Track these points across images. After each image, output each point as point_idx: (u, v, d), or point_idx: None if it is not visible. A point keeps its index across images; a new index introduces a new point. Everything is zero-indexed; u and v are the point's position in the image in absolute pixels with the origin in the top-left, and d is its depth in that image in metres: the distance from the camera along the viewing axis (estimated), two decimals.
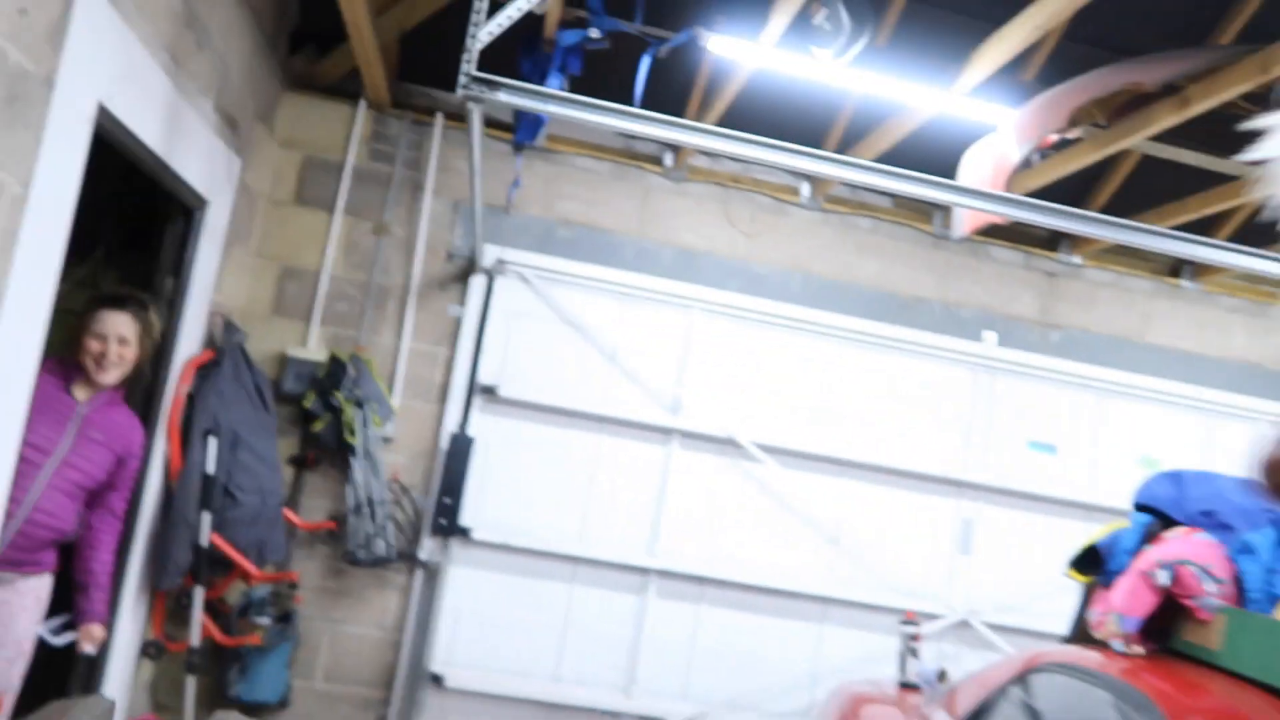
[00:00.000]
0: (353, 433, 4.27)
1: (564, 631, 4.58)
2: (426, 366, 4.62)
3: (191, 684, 3.65)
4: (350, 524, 4.26)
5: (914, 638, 3.74)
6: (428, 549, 4.44)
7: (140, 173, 3.33)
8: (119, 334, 3.00)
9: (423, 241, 4.66)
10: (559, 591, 4.60)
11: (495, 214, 4.69)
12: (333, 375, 4.33)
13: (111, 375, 3.00)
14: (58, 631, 3.11)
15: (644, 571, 4.65)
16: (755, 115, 4.34)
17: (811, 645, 4.72)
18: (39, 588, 2.94)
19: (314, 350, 4.47)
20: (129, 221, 4.18)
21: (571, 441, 4.68)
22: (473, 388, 4.59)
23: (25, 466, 2.83)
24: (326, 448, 4.36)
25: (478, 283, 4.67)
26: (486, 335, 4.62)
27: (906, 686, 3.62)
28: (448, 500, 4.42)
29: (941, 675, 3.58)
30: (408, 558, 4.40)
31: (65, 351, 3.03)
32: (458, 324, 4.66)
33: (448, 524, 4.41)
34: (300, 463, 4.41)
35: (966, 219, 3.98)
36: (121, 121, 2.80)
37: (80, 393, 2.99)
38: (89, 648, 3.15)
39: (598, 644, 4.59)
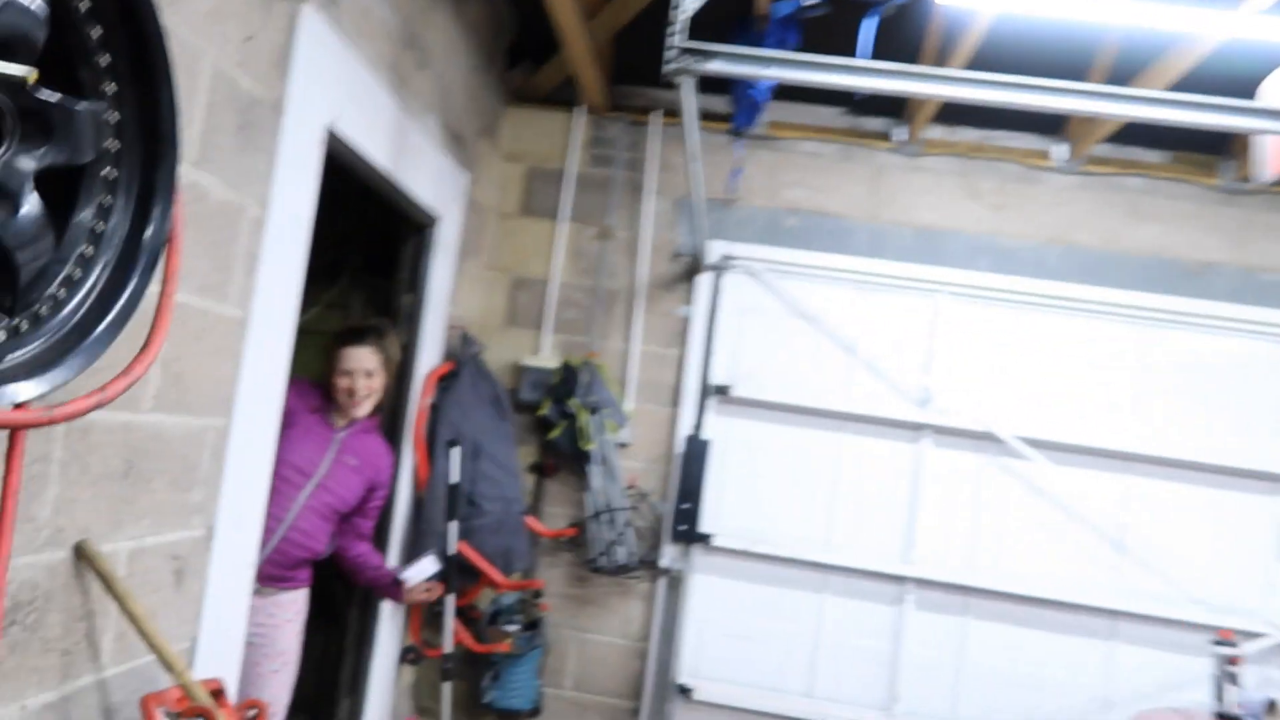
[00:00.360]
0: (588, 439, 4.24)
1: (815, 644, 4.31)
2: (658, 369, 4.52)
3: (447, 690, 3.73)
4: (590, 531, 4.24)
5: (1231, 660, 3.17)
6: (669, 556, 4.32)
7: (378, 198, 3.45)
8: (364, 368, 3.12)
9: (646, 242, 4.57)
10: (808, 601, 4.33)
11: (718, 208, 4.52)
12: (566, 382, 4.33)
13: (364, 408, 3.14)
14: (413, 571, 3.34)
15: (899, 580, 4.29)
16: (998, 70, 3.88)
17: (1100, 665, 4.16)
18: (297, 600, 3.08)
19: (547, 358, 4.49)
20: (371, 245, 4.38)
21: (812, 441, 4.41)
22: (705, 389, 4.44)
23: (285, 487, 2.97)
24: (564, 455, 4.37)
25: (704, 280, 4.51)
26: (716, 334, 4.46)
27: (1225, 718, 3.06)
28: (687, 505, 4.29)
29: (1271, 707, 3.00)
30: (650, 565, 4.31)
31: (320, 378, 3.18)
32: (686, 324, 4.53)
33: (688, 530, 4.28)
34: (540, 470, 4.44)
35: (1278, 156, 3.32)
36: (350, 142, 2.87)
37: (338, 419, 3.14)
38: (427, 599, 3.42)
39: (853, 658, 4.28)
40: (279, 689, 3.03)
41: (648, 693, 4.28)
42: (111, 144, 1.18)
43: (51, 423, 0.97)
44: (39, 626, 1.76)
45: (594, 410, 4.27)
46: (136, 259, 1.19)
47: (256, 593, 2.93)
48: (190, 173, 2.06)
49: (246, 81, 2.25)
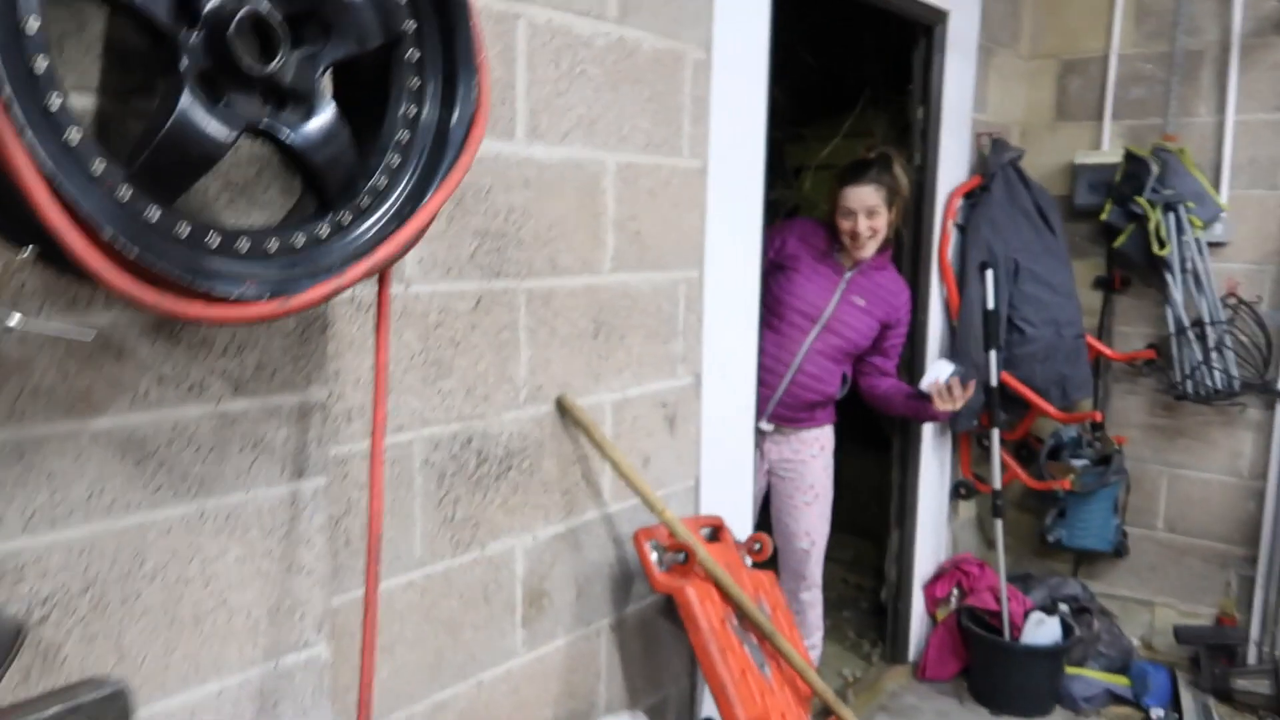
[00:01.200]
0: (1163, 243, 3.48)
1: None
2: (1265, 142, 3.49)
3: (999, 527, 3.49)
4: (1173, 352, 3.53)
5: None
6: None
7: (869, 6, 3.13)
8: (865, 206, 2.92)
9: None
10: None
11: None
12: (1131, 177, 3.57)
13: (869, 248, 2.96)
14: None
15: None
16: None
17: None
18: (820, 436, 3.09)
19: (1108, 152, 3.75)
20: (887, 60, 4.05)
21: None
22: None
23: (792, 330, 2.96)
24: (1135, 265, 3.66)
25: None
26: None
27: None
28: None
29: None
30: (1259, 389, 3.45)
31: (826, 217, 3.05)
32: None
33: None
34: (1106, 285, 3.80)
35: None
36: None
37: (845, 259, 3.01)
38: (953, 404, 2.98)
39: None
40: (815, 519, 3.12)
41: (1267, 539, 3.51)
42: (409, 25, 1.19)
43: (287, 313, 1.03)
44: (535, 470, 2.01)
45: (1170, 206, 3.47)
46: (448, 139, 1.20)
47: (777, 432, 3.03)
48: (614, 30, 2.06)
49: None
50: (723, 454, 2.53)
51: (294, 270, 1.08)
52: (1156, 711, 3.27)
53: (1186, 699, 3.32)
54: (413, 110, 1.21)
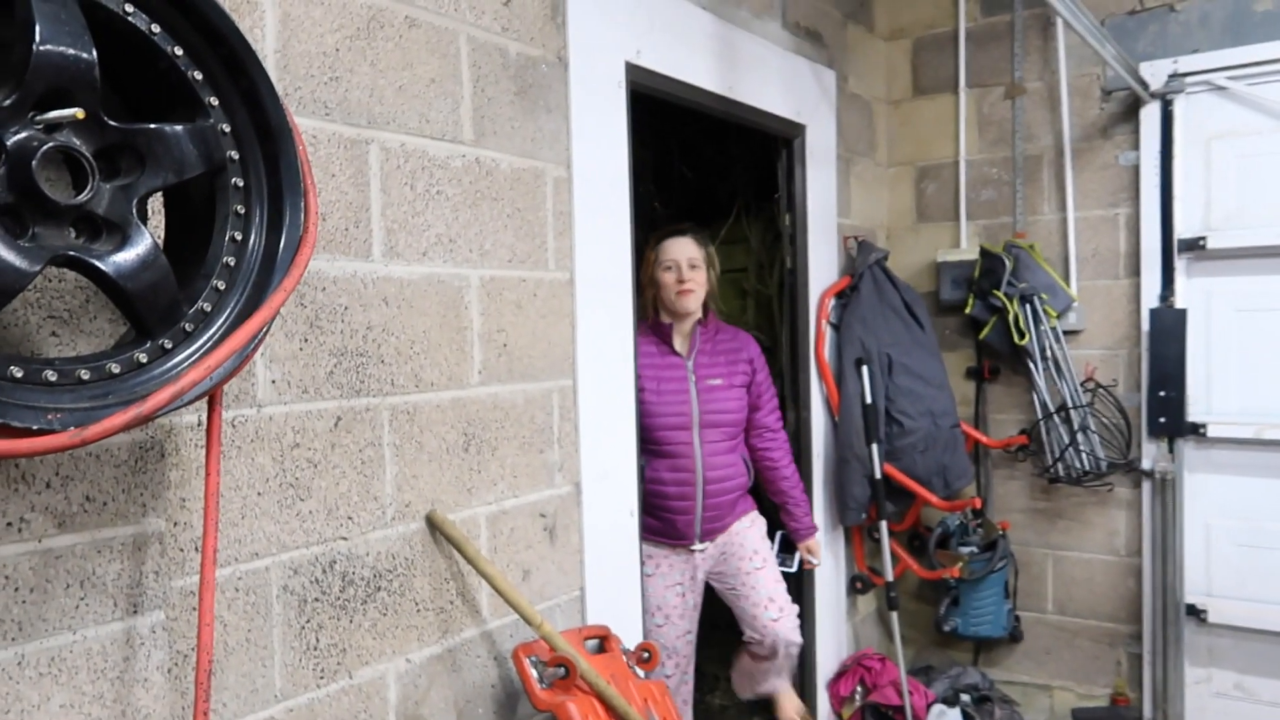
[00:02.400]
0: (1023, 333, 3.68)
1: None
2: (1104, 235, 3.76)
3: (895, 620, 3.52)
4: (1040, 437, 3.69)
5: None
6: (1150, 456, 3.59)
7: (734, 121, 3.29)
8: (687, 257, 2.95)
9: (1066, 87, 3.79)
10: None
11: (1153, 17, 3.59)
12: (988, 273, 3.79)
13: (693, 301, 2.96)
14: (784, 562, 3.25)
15: None
16: None
17: None
18: (752, 519, 3.10)
19: (966, 250, 3.98)
20: (759, 170, 4.25)
21: None
22: (1171, 247, 3.58)
23: (679, 447, 2.91)
24: (1001, 355, 3.85)
25: (1150, 113, 3.62)
26: (1176, 176, 3.56)
27: None
28: (1165, 393, 3.52)
29: None
30: (1123, 468, 3.62)
31: (654, 308, 3.05)
32: (1135, 173, 3.69)
33: (1170, 422, 3.51)
34: (977, 375, 3.97)
35: None
36: (661, 72, 2.76)
37: (680, 345, 3.02)
38: (814, 561, 3.29)
39: None
40: (771, 583, 3.03)
41: (1149, 615, 3.62)
42: (232, 153, 1.22)
43: (84, 443, 1.01)
44: (406, 590, 1.96)
45: (1026, 299, 3.68)
46: (275, 263, 1.22)
47: (711, 545, 3.00)
48: (470, 152, 2.12)
49: (516, 46, 2.26)
50: (609, 561, 2.51)
51: (107, 399, 1.06)
52: None
53: None
54: (238, 235, 1.22)
